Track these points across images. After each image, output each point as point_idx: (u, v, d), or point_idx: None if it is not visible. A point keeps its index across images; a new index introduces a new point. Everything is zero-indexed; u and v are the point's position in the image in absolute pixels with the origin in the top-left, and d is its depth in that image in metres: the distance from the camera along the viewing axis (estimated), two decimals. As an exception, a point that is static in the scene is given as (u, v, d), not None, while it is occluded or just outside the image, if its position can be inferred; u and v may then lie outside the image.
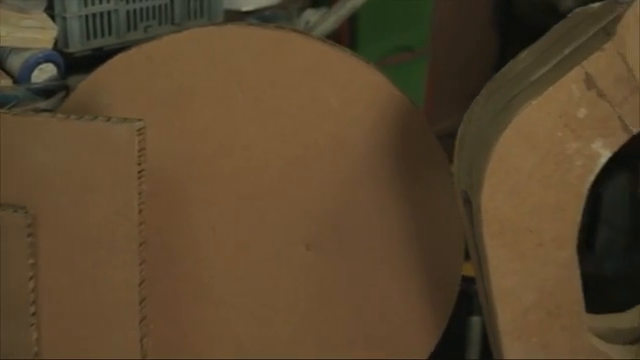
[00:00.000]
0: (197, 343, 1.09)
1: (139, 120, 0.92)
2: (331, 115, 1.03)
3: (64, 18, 1.15)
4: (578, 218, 0.88)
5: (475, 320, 1.27)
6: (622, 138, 0.85)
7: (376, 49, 1.70)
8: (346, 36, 1.64)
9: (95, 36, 1.20)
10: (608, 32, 0.82)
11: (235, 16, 1.39)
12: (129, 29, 1.23)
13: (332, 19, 1.45)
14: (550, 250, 0.89)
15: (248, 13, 1.42)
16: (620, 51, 0.81)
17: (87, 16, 1.18)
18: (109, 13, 1.20)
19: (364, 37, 1.68)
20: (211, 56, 1.02)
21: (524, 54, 0.90)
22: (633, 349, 0.99)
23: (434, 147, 1.03)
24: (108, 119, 0.92)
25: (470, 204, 0.90)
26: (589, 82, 0.82)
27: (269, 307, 1.09)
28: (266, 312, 1.09)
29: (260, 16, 1.42)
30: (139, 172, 0.91)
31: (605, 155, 0.85)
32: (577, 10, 0.88)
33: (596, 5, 0.86)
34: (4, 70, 1.13)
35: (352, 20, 1.62)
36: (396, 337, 1.10)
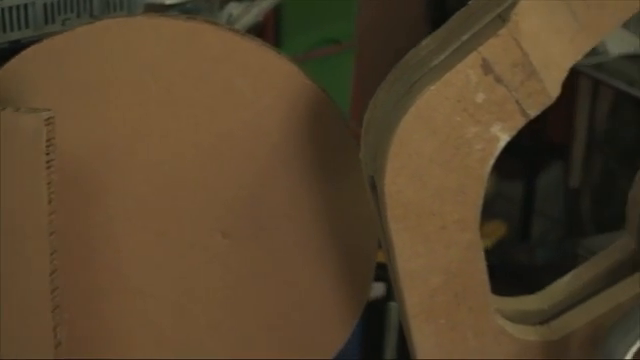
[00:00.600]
0: (115, 332, 1.10)
1: (47, 110, 0.92)
2: (244, 104, 1.04)
3: (-21, 11, 1.15)
4: (480, 201, 0.90)
5: (392, 305, 1.29)
6: (520, 122, 0.87)
7: (302, 41, 1.72)
8: (271, 28, 1.66)
9: (12, 29, 1.20)
10: (504, 18, 0.84)
11: (157, 9, 1.39)
12: (47, 22, 1.23)
13: (255, 11, 1.47)
14: (453, 233, 0.91)
15: (171, 6, 1.42)
16: (515, 37, 0.84)
17: (3, 9, 1.18)
18: (25, 6, 1.20)
19: (289, 29, 1.70)
20: (123, 47, 1.03)
21: (426, 41, 0.92)
22: (540, 329, 1.01)
23: (346, 135, 1.05)
24: (17, 109, 0.92)
25: (376, 189, 0.92)
26: (486, 67, 0.84)
27: (187, 295, 1.10)
28: (184, 300, 1.10)
29: (182, 9, 1.42)
30: (47, 162, 0.91)
31: (504, 139, 0.88)
32: (479, -3, 0.90)
33: (495, -8, 0.88)
34: None
35: (277, 12, 1.63)
36: (312, 323, 1.11)
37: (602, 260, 1.08)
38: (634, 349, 0.87)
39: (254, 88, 1.03)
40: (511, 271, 2.19)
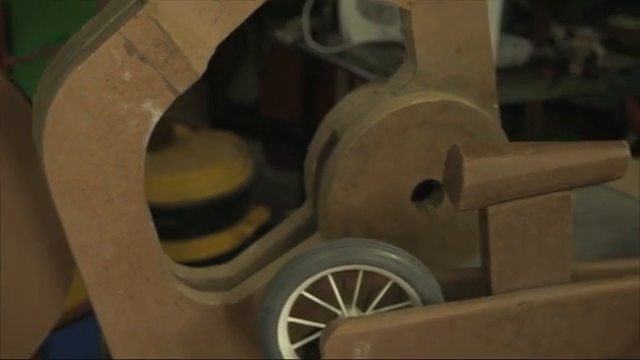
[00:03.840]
0: None
1: None
2: None
3: None
4: (141, 174, 0.96)
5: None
6: (170, 98, 0.93)
7: (36, 38, 1.73)
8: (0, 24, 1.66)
9: None
10: (143, 1, 0.90)
11: None
12: None
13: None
14: (120, 206, 0.96)
15: None
16: (154, 17, 0.89)
17: None
18: None
19: (21, 26, 1.70)
20: None
21: (85, 25, 0.97)
22: (223, 295, 1.08)
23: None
24: None
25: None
26: (129, 47, 0.90)
27: None
28: None
29: None
30: None
31: (157, 114, 0.93)
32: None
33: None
34: None
35: (6, 8, 1.64)
36: (23, 309, 1.13)
37: (285, 227, 1.16)
38: (291, 300, 0.94)
39: None
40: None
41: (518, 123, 2.83)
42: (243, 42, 3.05)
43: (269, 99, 3.11)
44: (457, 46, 1.03)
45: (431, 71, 1.04)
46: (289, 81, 2.95)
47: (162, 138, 2.31)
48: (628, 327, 0.96)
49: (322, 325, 0.93)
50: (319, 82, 2.82)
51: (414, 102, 1.01)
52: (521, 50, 2.20)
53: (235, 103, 3.14)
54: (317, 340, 0.95)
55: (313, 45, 2.29)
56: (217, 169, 2.26)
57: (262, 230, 2.39)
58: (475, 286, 0.98)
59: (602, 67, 2.26)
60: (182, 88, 0.93)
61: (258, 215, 2.41)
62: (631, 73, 2.38)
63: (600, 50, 2.29)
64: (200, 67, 0.93)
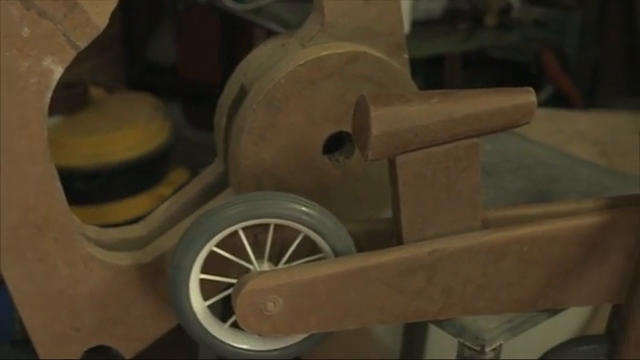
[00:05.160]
0: None
1: None
2: None
3: None
4: (44, 133, 0.93)
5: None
6: (71, 54, 0.91)
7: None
8: None
9: None
10: (39, -46, 0.87)
11: None
12: None
13: None
14: (24, 166, 0.94)
15: None
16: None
17: None
18: None
19: None
20: None
21: None
22: (135, 254, 1.06)
23: None
24: None
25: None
26: (27, 2, 0.87)
27: None
28: None
29: None
30: None
31: (58, 71, 0.91)
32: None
33: None
34: None
35: None
36: None
37: (196, 184, 1.14)
38: (202, 257, 0.93)
39: None
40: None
41: (438, 77, 2.84)
42: (159, 1, 3.00)
43: (188, 60, 3.06)
44: (364, -4, 1.02)
45: (339, 22, 1.03)
46: (207, 41, 2.91)
47: (77, 100, 2.26)
48: (538, 272, 0.97)
49: (235, 281, 0.93)
50: (237, 41, 2.78)
51: (322, 53, 1.00)
52: (436, 3, 2.20)
53: (153, 64, 3.08)
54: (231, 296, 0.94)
55: (229, 2, 2.26)
56: (134, 131, 2.23)
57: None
58: (387, 236, 0.98)
59: (517, 18, 2.27)
60: (83, 43, 0.91)
61: (177, 176, 2.38)
62: (546, 24, 2.40)
63: (515, 1, 2.30)
64: (101, 21, 0.91)
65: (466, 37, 2.17)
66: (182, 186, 2.40)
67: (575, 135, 2.09)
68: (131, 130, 2.25)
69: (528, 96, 0.92)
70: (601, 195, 1.26)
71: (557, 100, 2.52)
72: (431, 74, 2.47)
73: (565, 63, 2.51)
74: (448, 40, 2.16)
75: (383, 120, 0.88)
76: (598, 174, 1.35)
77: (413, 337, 1.78)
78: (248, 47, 2.73)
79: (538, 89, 2.57)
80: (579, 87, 2.54)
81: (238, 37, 2.80)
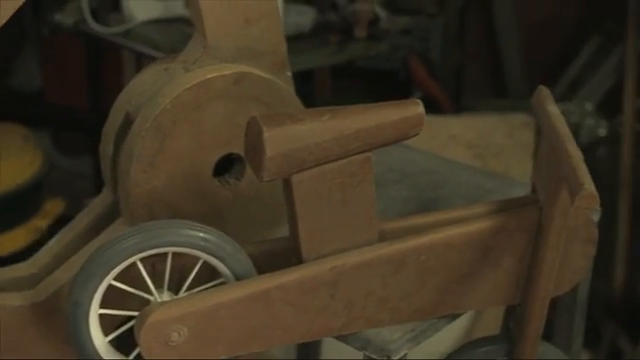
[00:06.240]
0: None
1: None
2: None
3: None
4: None
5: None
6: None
7: None
8: None
9: None
10: None
11: None
12: None
13: None
14: None
15: None
16: None
17: None
18: None
19: None
20: None
21: None
22: (27, 294, 1.03)
23: None
24: None
25: None
26: None
27: None
28: None
29: None
30: None
31: None
32: None
33: None
34: None
35: None
36: None
37: (84, 217, 1.11)
38: (100, 291, 0.90)
39: None
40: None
41: (308, 90, 2.86)
42: (21, 27, 2.91)
43: (54, 85, 2.99)
44: (245, 16, 1.02)
45: (222, 44, 1.02)
46: (74, 65, 2.85)
47: (-59, 134, 2.19)
48: (436, 280, 0.99)
49: (136, 313, 0.91)
50: (105, 64, 2.73)
51: (208, 76, 0.99)
52: (305, 17, 2.21)
53: (17, 91, 3.00)
54: (133, 329, 0.92)
55: (95, 26, 2.22)
56: (4, 162, 2.16)
57: (59, 222, 2.31)
58: (286, 256, 0.98)
59: (385, 29, 2.30)
60: None
61: (53, 206, 2.32)
62: (412, 33, 2.44)
63: (381, 12, 2.33)
64: None
65: (338, 50, 2.19)
66: (59, 216, 2.35)
67: (449, 139, 2.14)
68: (1, 163, 2.18)
69: (416, 108, 0.94)
70: (485, 198, 1.29)
71: (427, 105, 2.57)
72: (301, 87, 2.48)
73: (431, 69, 2.57)
74: (320, 54, 2.18)
75: (276, 141, 0.88)
76: (478, 177, 1.38)
77: (307, 349, 1.78)
78: (116, 70, 2.70)
79: (407, 96, 2.62)
80: (446, 91, 2.60)
81: (105, 60, 2.75)
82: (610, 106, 2.43)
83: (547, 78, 2.51)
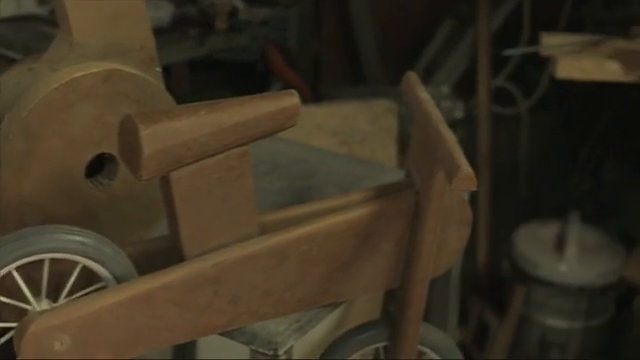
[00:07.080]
0: None
1: None
2: None
3: None
4: None
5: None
6: None
7: None
8: None
9: None
10: None
11: None
12: None
13: None
14: None
15: None
16: None
17: None
18: None
19: None
20: None
21: None
22: None
23: None
24: None
25: None
26: None
27: None
28: None
29: None
30: None
31: None
32: None
33: None
34: None
35: None
36: None
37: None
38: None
39: None
40: None
41: (165, 85, 2.82)
42: None
43: None
44: (112, 14, 1.00)
45: (88, 41, 1.00)
46: None
47: None
48: (318, 269, 0.99)
49: (15, 324, 0.87)
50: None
51: (76, 75, 0.97)
52: (163, 11, 2.18)
53: None
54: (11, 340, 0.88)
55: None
56: None
57: None
58: (167, 255, 0.96)
59: (244, 20, 2.29)
60: None
61: None
62: (269, 23, 2.44)
63: (239, 4, 2.32)
64: None
65: (198, 43, 2.17)
66: None
67: (314, 128, 2.15)
68: None
69: (292, 98, 0.94)
70: (357, 185, 1.31)
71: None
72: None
73: (289, 59, 2.58)
74: (180, 48, 2.15)
75: (154, 138, 0.86)
76: (349, 165, 1.40)
77: (183, 349, 1.77)
78: None
79: (267, 86, 2.62)
80: (305, 81, 2.61)
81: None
82: (466, 88, 2.50)
83: (403, 63, 2.55)
